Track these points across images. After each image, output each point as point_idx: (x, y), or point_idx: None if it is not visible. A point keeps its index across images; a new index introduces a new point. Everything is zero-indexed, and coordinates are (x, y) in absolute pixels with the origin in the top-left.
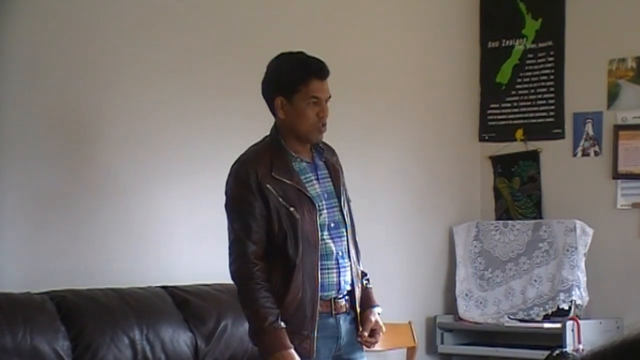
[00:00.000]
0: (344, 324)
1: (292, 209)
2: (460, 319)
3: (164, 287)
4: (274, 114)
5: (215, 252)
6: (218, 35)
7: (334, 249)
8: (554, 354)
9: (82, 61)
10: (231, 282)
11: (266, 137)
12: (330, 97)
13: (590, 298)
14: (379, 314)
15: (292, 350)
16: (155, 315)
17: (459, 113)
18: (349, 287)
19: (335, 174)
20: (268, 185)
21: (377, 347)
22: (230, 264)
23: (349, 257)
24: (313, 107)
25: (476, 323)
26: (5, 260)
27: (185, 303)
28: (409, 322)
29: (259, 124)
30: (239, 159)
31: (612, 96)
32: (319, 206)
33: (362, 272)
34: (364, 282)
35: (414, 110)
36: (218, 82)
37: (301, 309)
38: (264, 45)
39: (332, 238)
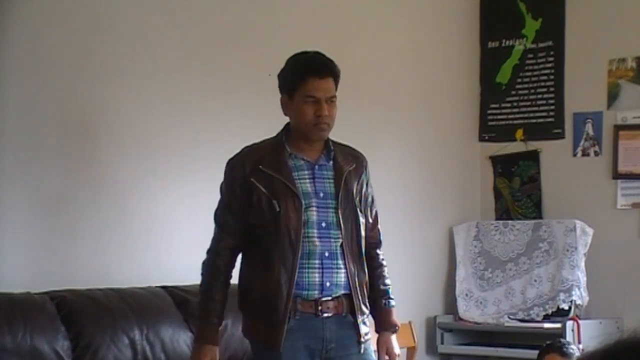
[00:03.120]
0: (333, 327)
1: (274, 201)
2: (460, 319)
3: (164, 287)
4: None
5: None
6: (221, 35)
7: (319, 248)
8: (550, 343)
9: (82, 61)
10: (230, 282)
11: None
12: (333, 96)
13: (590, 298)
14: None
15: (212, 347)
16: (155, 315)
17: (459, 113)
18: (342, 291)
19: (339, 177)
20: (252, 179)
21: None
22: (206, 252)
23: (344, 259)
24: (311, 106)
25: (476, 323)
26: (5, 260)
27: (185, 303)
28: (409, 322)
29: (260, 123)
30: (237, 153)
31: (612, 96)
32: (305, 203)
33: (382, 289)
34: (383, 302)
35: (414, 110)
36: (218, 82)
37: (274, 301)
38: (265, 45)
39: (319, 237)
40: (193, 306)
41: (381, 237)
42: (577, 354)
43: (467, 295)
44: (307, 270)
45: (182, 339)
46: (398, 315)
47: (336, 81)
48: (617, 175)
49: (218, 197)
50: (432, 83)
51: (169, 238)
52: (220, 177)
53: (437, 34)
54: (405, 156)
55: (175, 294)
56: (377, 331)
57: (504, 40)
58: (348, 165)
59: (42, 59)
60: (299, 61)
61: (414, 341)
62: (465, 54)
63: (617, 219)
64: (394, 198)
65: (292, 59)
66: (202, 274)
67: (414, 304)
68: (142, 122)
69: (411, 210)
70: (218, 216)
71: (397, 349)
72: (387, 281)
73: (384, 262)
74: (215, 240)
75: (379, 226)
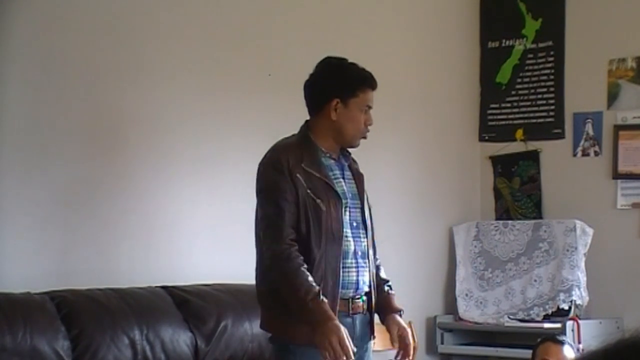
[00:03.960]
0: (360, 325)
1: (318, 200)
2: (460, 319)
3: (164, 287)
4: (317, 112)
5: (215, 252)
6: (229, 36)
7: (353, 247)
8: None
9: (93, 62)
10: (231, 282)
11: (294, 134)
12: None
13: (590, 298)
14: (400, 316)
15: (337, 322)
16: (155, 315)
17: (459, 113)
18: (367, 288)
19: (359, 178)
20: (298, 175)
21: (376, 347)
22: (267, 250)
23: (368, 258)
24: (364, 115)
25: (476, 323)
26: (5, 260)
27: (185, 303)
28: (409, 322)
29: (261, 125)
30: (270, 149)
31: (612, 96)
32: (345, 202)
33: (383, 278)
34: (386, 288)
35: (414, 110)
36: (218, 82)
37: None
38: (270, 47)
39: (353, 237)
40: (193, 306)
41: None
42: (571, 343)
43: (467, 295)
44: (347, 270)
45: (182, 339)
46: None
47: None
48: (617, 175)
49: (218, 197)
50: (432, 83)
51: (169, 238)
52: (220, 178)
53: (437, 34)
54: (405, 156)
55: (175, 294)
56: (382, 318)
57: (504, 40)
58: (357, 167)
59: (44, 59)
60: (356, 70)
61: (414, 341)
62: (465, 54)
63: (617, 219)
64: (394, 198)
65: (342, 66)
66: (281, 272)
67: (414, 304)
68: (142, 123)
69: (411, 210)
70: (271, 214)
71: (408, 329)
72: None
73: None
74: (277, 236)
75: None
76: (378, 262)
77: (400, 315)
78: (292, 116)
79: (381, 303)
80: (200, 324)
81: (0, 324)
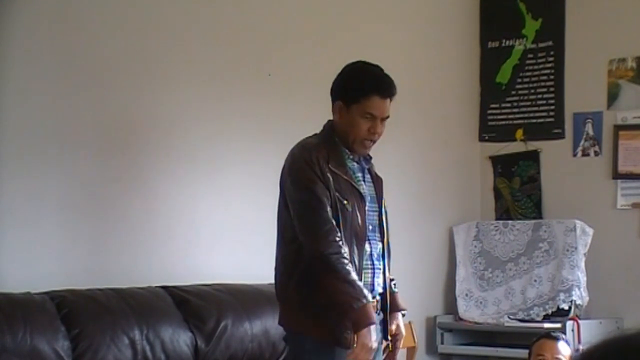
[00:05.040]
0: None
1: (345, 201)
2: (460, 319)
3: (164, 287)
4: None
5: (216, 252)
6: (229, 37)
7: (369, 249)
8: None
9: (89, 62)
10: (231, 282)
11: (316, 134)
12: (388, 117)
13: (590, 298)
14: (403, 315)
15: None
16: (155, 315)
17: (459, 113)
18: (381, 290)
19: (378, 182)
20: (328, 174)
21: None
22: (313, 241)
23: (383, 260)
24: (366, 122)
25: (476, 323)
26: (5, 260)
27: (185, 303)
28: (409, 322)
29: (262, 125)
30: (298, 146)
31: (612, 96)
32: (367, 205)
33: (391, 278)
34: (392, 285)
35: (414, 110)
36: (218, 82)
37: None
38: (270, 47)
39: (369, 239)
40: (193, 306)
41: None
42: (566, 339)
43: (467, 295)
44: (364, 271)
45: (182, 339)
46: None
47: (391, 100)
48: (617, 175)
49: (218, 197)
50: (432, 83)
51: (169, 238)
52: (220, 178)
53: (438, 34)
54: (405, 156)
55: (175, 294)
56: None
57: (504, 40)
58: (376, 171)
59: (45, 59)
60: (367, 75)
61: (414, 341)
62: (465, 54)
63: (617, 219)
64: (394, 198)
65: (357, 70)
66: (332, 267)
67: (414, 304)
68: (142, 123)
69: (411, 210)
70: (309, 199)
71: (403, 331)
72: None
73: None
74: (321, 224)
75: None
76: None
77: (403, 315)
78: (293, 116)
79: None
80: (200, 324)
81: (0, 324)
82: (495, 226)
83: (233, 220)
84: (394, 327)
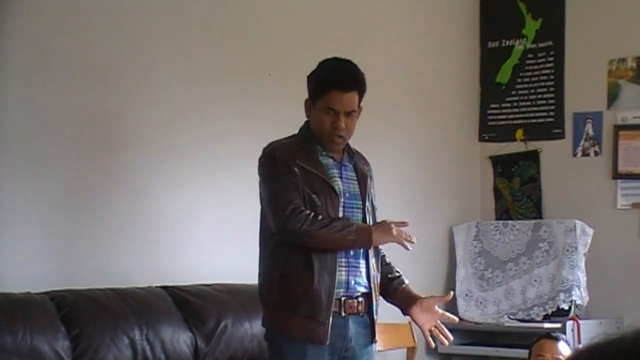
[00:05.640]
0: (354, 326)
1: (314, 195)
2: (461, 319)
3: (164, 287)
4: None
5: (216, 252)
6: (229, 37)
7: None
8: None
9: (93, 61)
10: (231, 282)
11: (295, 134)
12: (353, 110)
13: (590, 298)
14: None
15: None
16: (155, 315)
17: (459, 113)
18: (363, 289)
19: (363, 179)
20: (295, 168)
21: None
22: (282, 222)
23: (366, 259)
24: (329, 117)
25: (476, 323)
26: (5, 260)
27: (185, 303)
28: (409, 322)
29: (261, 125)
30: (266, 146)
31: (612, 96)
32: (340, 201)
33: (399, 274)
34: (402, 280)
35: (414, 110)
36: (218, 82)
37: (318, 295)
38: (270, 47)
39: None
40: (193, 306)
41: None
42: (566, 339)
43: (467, 295)
44: (337, 268)
45: (182, 339)
46: (398, 316)
47: (360, 94)
48: (617, 175)
49: (218, 197)
50: (432, 83)
51: (169, 238)
52: (220, 178)
53: (437, 34)
54: (405, 156)
55: (175, 294)
56: (406, 307)
57: (504, 40)
58: (365, 168)
59: (44, 59)
60: (327, 71)
61: (414, 341)
62: (465, 54)
63: (617, 219)
64: (394, 198)
65: (322, 65)
66: (302, 229)
67: None
68: (141, 122)
69: (411, 210)
70: (275, 188)
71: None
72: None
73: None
74: (286, 204)
75: None
76: (389, 260)
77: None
78: (293, 116)
79: (404, 294)
80: (200, 324)
81: (0, 324)
82: (495, 226)
83: (233, 220)
84: (434, 310)
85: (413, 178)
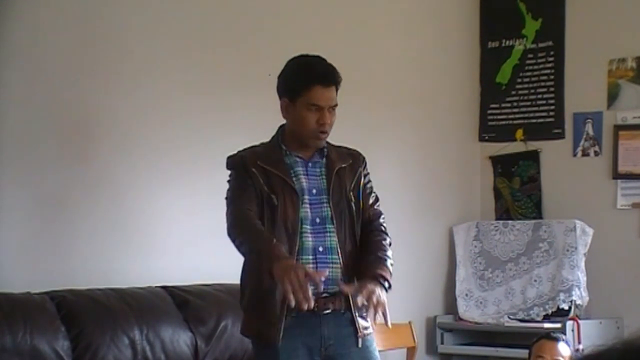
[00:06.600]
0: (332, 324)
1: (272, 195)
2: (460, 319)
3: (164, 287)
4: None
5: (216, 252)
6: (217, 34)
7: (312, 243)
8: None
9: (79, 61)
10: (231, 282)
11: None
12: (336, 105)
13: (590, 298)
14: (383, 287)
15: (294, 261)
16: (155, 315)
17: (459, 113)
18: (337, 287)
19: (330, 172)
20: (253, 170)
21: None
22: (227, 223)
23: (339, 255)
24: (313, 114)
25: (476, 323)
26: (5, 260)
27: (185, 303)
28: (409, 322)
29: (259, 122)
30: None
31: (612, 96)
32: (302, 199)
33: (381, 258)
34: (374, 259)
35: (414, 110)
36: (216, 81)
37: (271, 296)
38: (266, 46)
39: (313, 233)
40: (193, 306)
41: (381, 212)
42: (566, 340)
43: (467, 295)
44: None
45: (182, 339)
46: (398, 316)
47: (337, 89)
48: (617, 175)
49: (218, 197)
50: (432, 83)
51: (169, 238)
52: (219, 176)
53: (437, 34)
54: (406, 156)
55: (175, 294)
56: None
57: (504, 40)
58: (342, 162)
59: (40, 59)
60: (304, 67)
61: (414, 341)
62: (465, 54)
63: (617, 219)
64: (394, 198)
65: (295, 63)
66: (237, 230)
67: (414, 304)
68: (141, 122)
69: (411, 210)
70: (230, 196)
71: (380, 296)
72: (387, 253)
73: (384, 232)
74: (234, 208)
75: (380, 208)
76: (378, 239)
77: (382, 284)
78: None
79: (362, 271)
80: (200, 324)
81: (0, 324)
82: (495, 226)
83: None
84: (355, 291)
85: (413, 178)
